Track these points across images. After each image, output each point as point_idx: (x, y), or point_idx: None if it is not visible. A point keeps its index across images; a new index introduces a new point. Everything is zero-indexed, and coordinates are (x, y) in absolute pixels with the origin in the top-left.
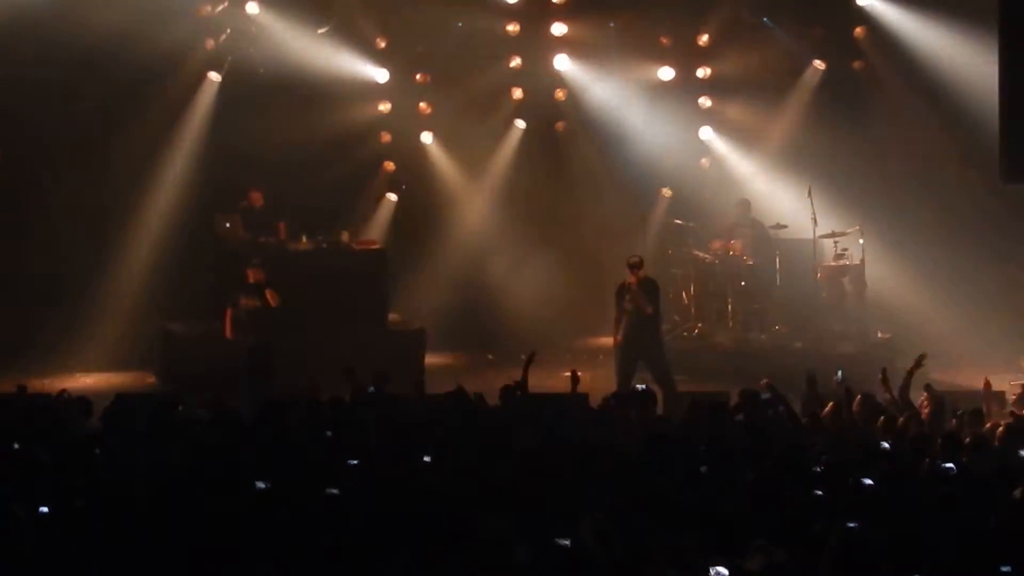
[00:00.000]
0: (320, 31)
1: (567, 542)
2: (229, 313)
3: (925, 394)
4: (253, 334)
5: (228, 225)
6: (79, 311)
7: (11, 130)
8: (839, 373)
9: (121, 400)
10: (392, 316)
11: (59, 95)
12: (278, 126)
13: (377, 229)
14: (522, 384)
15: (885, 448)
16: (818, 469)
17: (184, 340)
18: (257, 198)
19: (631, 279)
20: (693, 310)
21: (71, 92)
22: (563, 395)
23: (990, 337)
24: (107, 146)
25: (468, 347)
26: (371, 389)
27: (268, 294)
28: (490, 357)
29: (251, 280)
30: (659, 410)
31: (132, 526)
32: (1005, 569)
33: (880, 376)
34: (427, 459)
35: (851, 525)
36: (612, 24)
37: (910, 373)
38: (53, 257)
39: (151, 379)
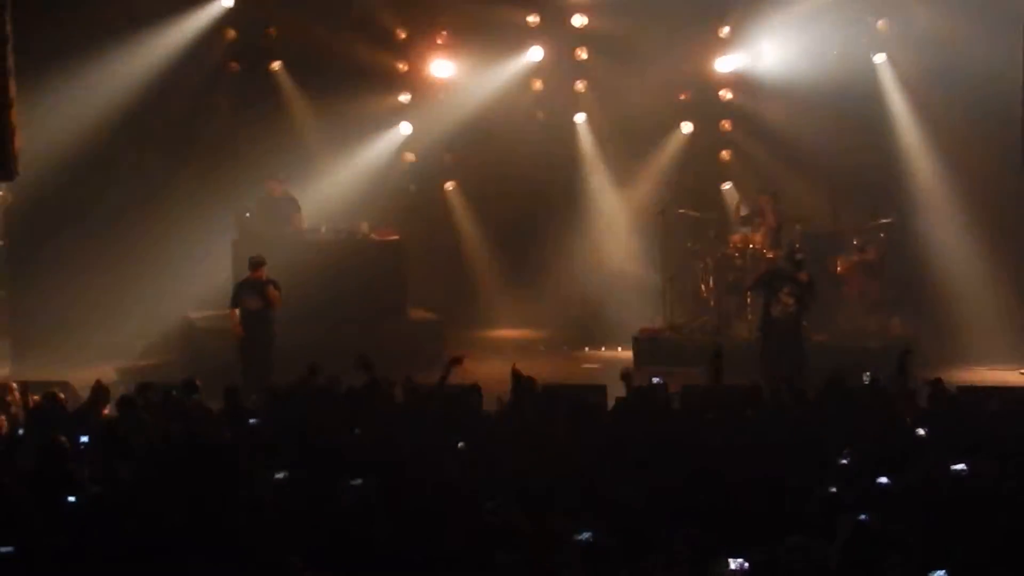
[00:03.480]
0: (345, 18)
1: (587, 535)
2: (234, 314)
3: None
4: (252, 335)
5: (248, 215)
6: (102, 300)
7: (33, 117)
8: (867, 375)
9: (142, 388)
10: (411, 306)
11: (80, 83)
12: (298, 117)
13: (396, 220)
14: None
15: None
16: (844, 462)
17: (204, 330)
18: (275, 187)
19: (802, 275)
20: (712, 302)
21: (91, 82)
22: (581, 387)
23: (1016, 330)
24: (127, 135)
25: (487, 340)
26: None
27: (270, 293)
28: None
29: (253, 277)
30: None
31: (145, 514)
32: None
33: (897, 366)
34: (460, 445)
35: (862, 517)
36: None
37: (902, 366)
38: (76, 247)
39: (173, 368)
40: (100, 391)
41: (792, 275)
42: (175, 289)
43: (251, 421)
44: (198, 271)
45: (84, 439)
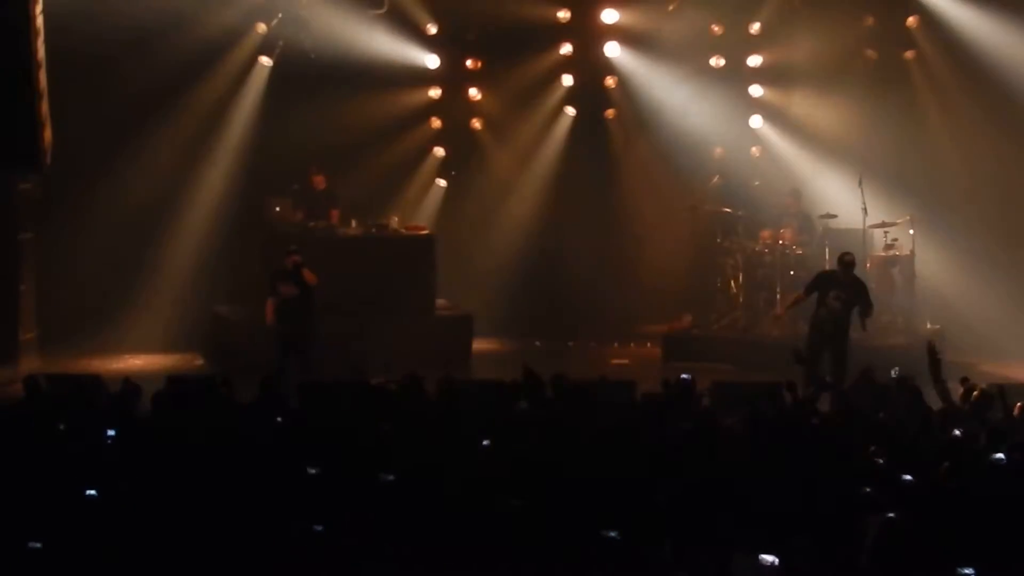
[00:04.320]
0: (377, 12)
1: (614, 534)
2: (270, 303)
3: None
4: (293, 322)
5: (278, 209)
6: (130, 293)
7: (63, 109)
8: (895, 370)
9: (172, 383)
10: (439, 301)
11: (110, 76)
12: (328, 111)
13: (426, 214)
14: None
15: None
16: (880, 461)
17: (232, 324)
18: (319, 181)
19: (851, 278)
20: (741, 299)
21: (122, 73)
22: (610, 382)
23: None
24: (158, 130)
25: (515, 333)
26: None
27: (305, 274)
28: (537, 344)
29: (288, 266)
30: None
31: (180, 510)
32: None
33: (928, 364)
34: (486, 443)
35: (891, 516)
36: (671, 8)
37: (936, 364)
38: (105, 239)
39: (199, 361)
40: (130, 388)
41: (841, 278)
42: (203, 282)
43: (278, 420)
44: (227, 265)
45: (111, 433)
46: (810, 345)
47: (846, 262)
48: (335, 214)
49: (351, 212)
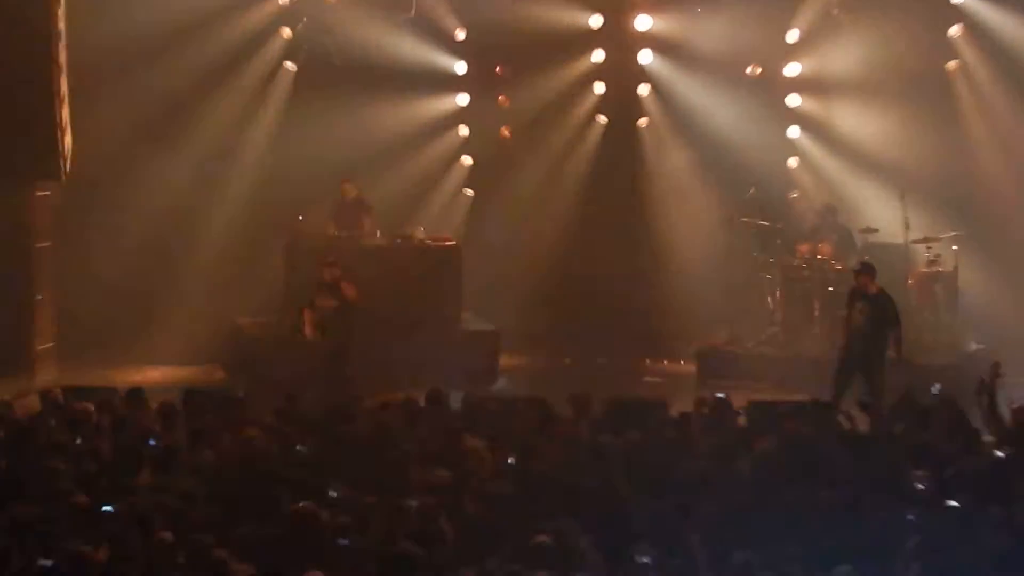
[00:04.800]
0: (404, 16)
1: (647, 559)
2: (307, 314)
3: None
4: (332, 336)
5: (301, 218)
6: (150, 303)
7: (84, 115)
8: (936, 387)
9: (189, 396)
10: (465, 315)
11: (132, 81)
12: (353, 118)
13: (452, 225)
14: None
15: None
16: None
17: (253, 336)
18: (349, 190)
19: (872, 287)
20: (779, 315)
21: (144, 79)
22: (645, 402)
23: None
24: (180, 136)
25: (543, 349)
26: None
27: (344, 287)
28: (567, 361)
29: (326, 278)
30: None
31: (187, 529)
32: None
33: (977, 387)
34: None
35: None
36: (699, 10)
37: (991, 386)
38: (123, 249)
39: (220, 374)
40: (136, 399)
41: (863, 292)
42: (223, 293)
43: (297, 448)
44: (248, 276)
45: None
46: (840, 365)
47: (860, 273)
48: (367, 223)
49: (375, 222)
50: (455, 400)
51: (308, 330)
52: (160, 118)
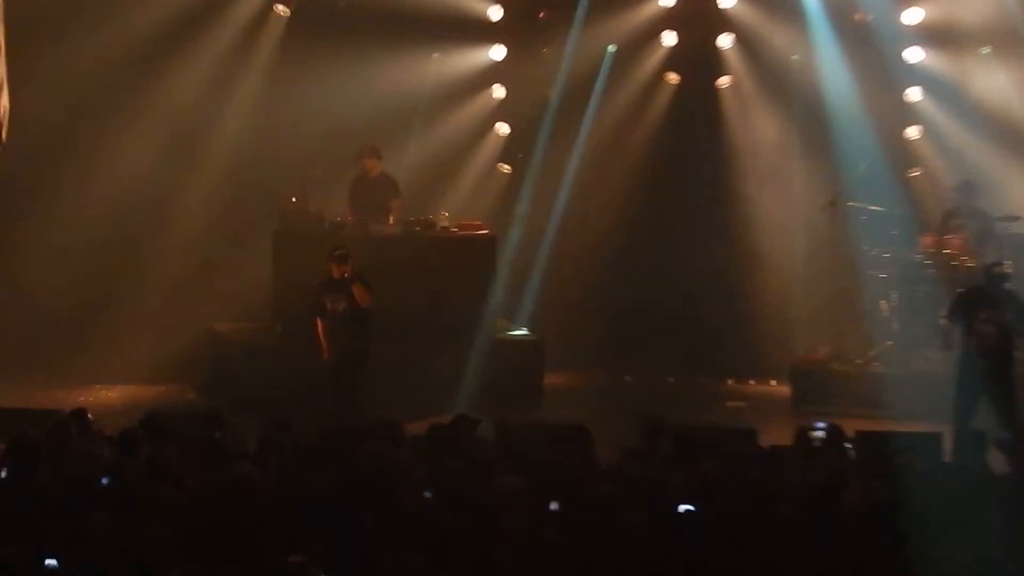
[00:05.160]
0: None
1: None
2: (320, 325)
3: None
4: (340, 346)
5: (295, 200)
6: (105, 308)
7: (24, 73)
8: None
9: (151, 420)
10: (501, 321)
11: (85, 31)
12: (360, 76)
13: (484, 209)
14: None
15: None
16: None
17: (233, 346)
18: (373, 166)
19: (1005, 289)
20: (895, 325)
21: (99, 29)
22: (727, 432)
23: None
24: (142, 101)
25: (597, 365)
26: None
27: (356, 291)
28: (628, 379)
29: (336, 276)
30: None
31: None
32: None
33: None
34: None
35: None
36: None
37: None
38: (73, 239)
39: (191, 394)
40: (81, 425)
41: (992, 295)
42: (196, 295)
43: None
44: (228, 272)
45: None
46: (958, 388)
47: (997, 274)
48: (395, 206)
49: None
50: (486, 428)
51: (325, 348)
52: (119, 78)
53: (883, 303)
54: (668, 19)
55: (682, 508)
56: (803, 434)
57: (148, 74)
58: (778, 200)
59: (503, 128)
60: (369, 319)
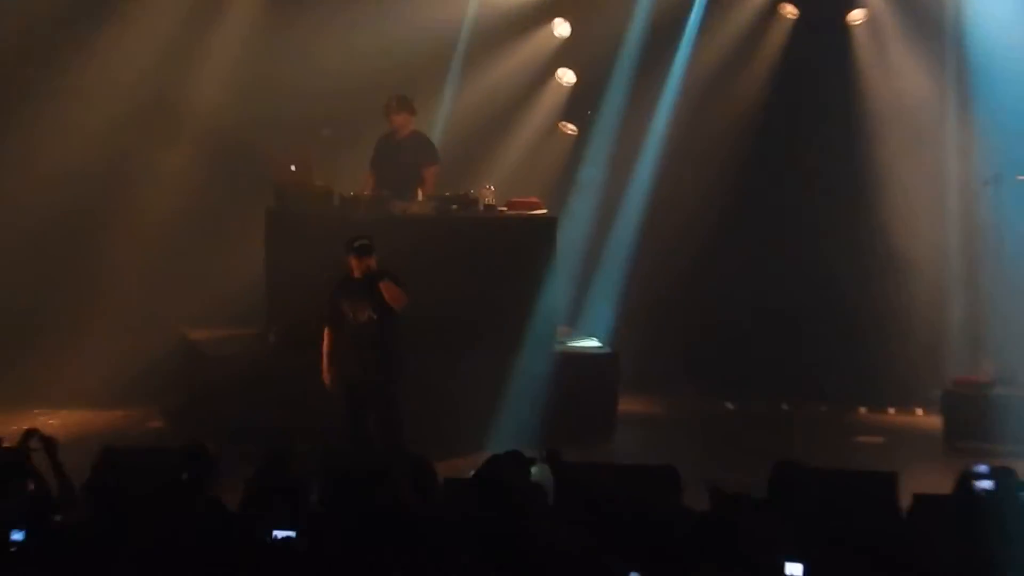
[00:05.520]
0: None
1: None
2: (329, 340)
3: None
4: (367, 365)
5: (295, 169)
6: (50, 317)
7: None
8: None
9: (108, 458)
10: (562, 329)
11: None
12: (378, 10)
13: (540, 183)
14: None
15: None
16: None
17: (216, 359)
18: (403, 123)
19: None
20: None
21: None
22: (860, 476)
23: None
24: (89, 56)
25: (686, 386)
26: None
27: (386, 290)
28: (729, 406)
29: (356, 273)
30: None
31: None
32: None
33: None
34: None
35: None
36: None
37: None
38: (6, 234)
39: (156, 422)
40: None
41: None
42: (165, 294)
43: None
44: (206, 264)
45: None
46: None
47: None
48: (430, 175)
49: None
50: (543, 469)
51: (328, 371)
52: (58, 31)
53: None
54: None
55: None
56: (964, 481)
57: (99, 22)
58: (924, 174)
59: (567, 76)
60: (402, 332)
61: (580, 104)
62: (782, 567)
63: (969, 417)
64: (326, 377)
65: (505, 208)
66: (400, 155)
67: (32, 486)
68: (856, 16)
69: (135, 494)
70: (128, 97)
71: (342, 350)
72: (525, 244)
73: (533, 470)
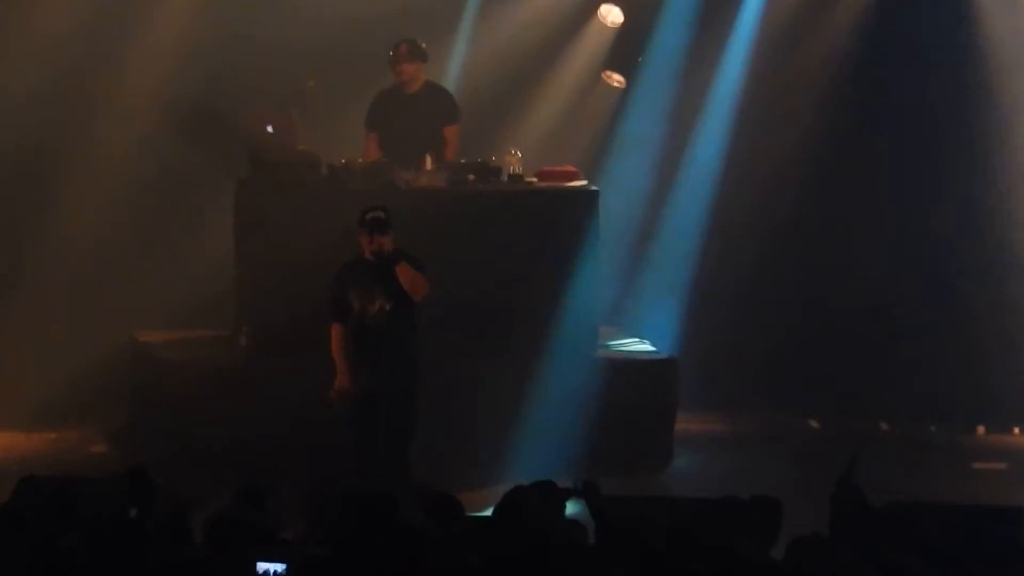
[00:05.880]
0: None
1: None
2: (337, 337)
3: None
4: (379, 370)
5: (272, 130)
6: None
7: None
8: None
9: (25, 491)
10: (607, 329)
11: None
12: None
13: (577, 148)
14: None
15: None
16: None
17: (173, 366)
18: (414, 73)
19: None
20: None
21: None
22: (978, 511)
23: None
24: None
25: (758, 400)
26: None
27: (403, 275)
28: (813, 424)
29: (368, 254)
30: None
31: None
32: None
33: None
34: None
35: None
36: None
37: None
38: None
39: (100, 445)
40: None
41: None
42: (111, 285)
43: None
44: (160, 249)
45: None
46: None
47: None
48: (452, 138)
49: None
50: (579, 505)
51: (344, 375)
52: None
53: None
54: None
55: None
56: None
57: None
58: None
59: (612, 14)
60: (418, 324)
61: (629, 49)
62: None
63: None
64: (339, 387)
65: (535, 179)
66: (413, 112)
67: None
68: None
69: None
70: (57, 59)
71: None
72: (559, 223)
73: (568, 505)
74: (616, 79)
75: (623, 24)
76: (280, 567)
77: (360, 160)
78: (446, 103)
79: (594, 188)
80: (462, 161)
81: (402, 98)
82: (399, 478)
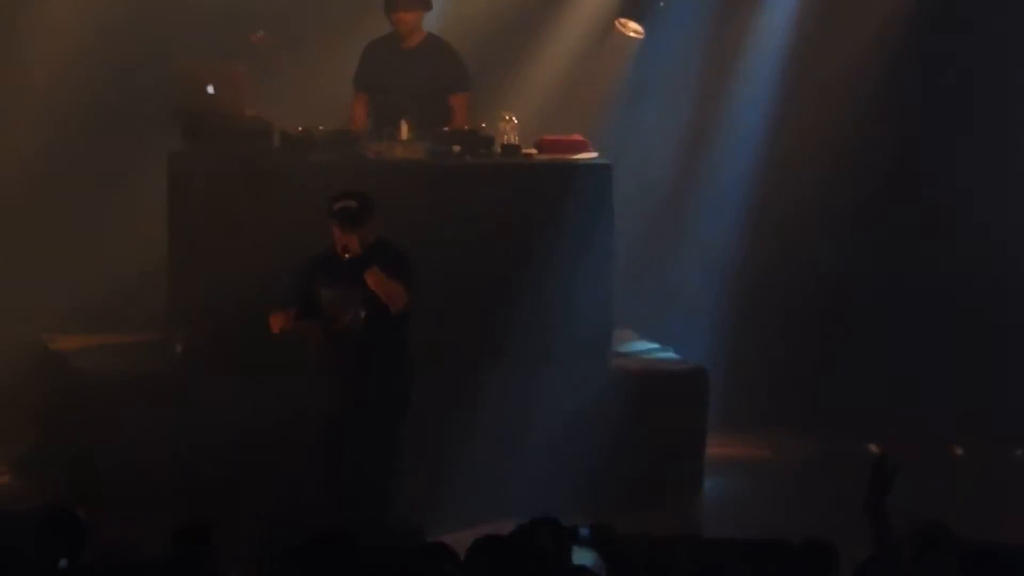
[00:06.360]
0: None
1: None
2: (314, 331)
3: None
4: (354, 387)
5: (212, 91)
6: None
7: None
8: None
9: None
10: (622, 332)
11: None
12: None
13: (589, 116)
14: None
15: None
16: None
17: (91, 378)
18: (414, 22)
19: None
20: None
21: None
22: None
23: None
24: None
25: (808, 421)
26: None
27: (373, 282)
28: (873, 450)
29: (340, 251)
30: None
31: None
32: None
33: None
34: None
35: None
36: None
37: None
38: None
39: (1, 476)
40: None
41: None
42: (14, 285)
43: None
44: (72, 240)
45: None
46: None
47: None
48: (460, 106)
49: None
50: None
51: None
52: None
53: None
54: None
55: None
56: None
57: None
58: None
59: None
60: (406, 338)
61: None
62: None
63: None
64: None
65: (534, 150)
66: (410, 71)
67: None
68: None
69: None
70: None
71: (318, 361)
72: (564, 204)
73: (577, 547)
74: (632, 28)
75: None
76: None
77: (321, 128)
78: (452, 65)
79: (606, 161)
80: (444, 129)
81: (397, 52)
82: (374, 516)
